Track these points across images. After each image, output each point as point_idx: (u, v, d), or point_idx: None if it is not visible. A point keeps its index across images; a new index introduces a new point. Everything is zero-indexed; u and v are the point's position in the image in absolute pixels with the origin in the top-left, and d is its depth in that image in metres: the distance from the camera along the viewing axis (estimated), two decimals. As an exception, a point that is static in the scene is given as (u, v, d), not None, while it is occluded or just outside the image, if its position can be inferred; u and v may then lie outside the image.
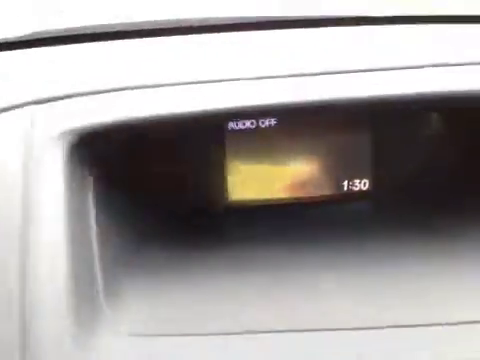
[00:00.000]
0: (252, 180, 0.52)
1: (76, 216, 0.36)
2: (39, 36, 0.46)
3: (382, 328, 0.35)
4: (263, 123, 0.52)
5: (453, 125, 0.49)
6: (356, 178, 0.52)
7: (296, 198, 0.51)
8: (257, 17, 0.47)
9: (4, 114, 0.39)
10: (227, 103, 0.39)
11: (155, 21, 0.47)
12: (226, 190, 0.51)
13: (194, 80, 0.39)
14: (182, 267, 0.42)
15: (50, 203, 0.36)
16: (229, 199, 0.51)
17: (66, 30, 0.47)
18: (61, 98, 0.39)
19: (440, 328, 0.35)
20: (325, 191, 0.51)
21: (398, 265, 0.40)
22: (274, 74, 0.39)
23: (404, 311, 0.36)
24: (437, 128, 0.51)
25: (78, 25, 0.47)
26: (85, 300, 0.35)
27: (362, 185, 0.51)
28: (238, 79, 0.39)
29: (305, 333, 0.35)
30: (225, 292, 0.40)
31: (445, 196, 0.47)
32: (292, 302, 0.38)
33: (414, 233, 0.43)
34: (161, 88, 0.39)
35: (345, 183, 0.52)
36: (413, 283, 0.38)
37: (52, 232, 0.35)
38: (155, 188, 0.48)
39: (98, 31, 0.46)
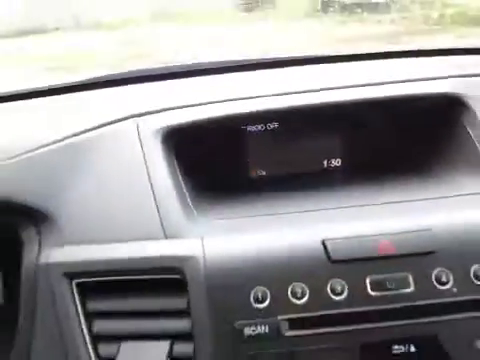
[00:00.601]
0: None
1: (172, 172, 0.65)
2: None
3: (354, 206, 0.63)
4: (270, 126, 0.74)
5: (395, 121, 0.74)
6: (332, 158, 0.75)
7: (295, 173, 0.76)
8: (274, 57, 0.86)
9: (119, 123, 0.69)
10: (245, 110, 0.69)
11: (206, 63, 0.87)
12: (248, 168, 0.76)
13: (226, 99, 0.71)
14: (237, 198, 0.69)
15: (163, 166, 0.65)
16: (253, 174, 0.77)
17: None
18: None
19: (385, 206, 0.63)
20: (313, 168, 0.76)
21: (367, 193, 0.67)
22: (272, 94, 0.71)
23: (368, 201, 0.64)
24: (386, 124, 0.75)
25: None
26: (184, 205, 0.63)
27: (336, 163, 0.76)
28: (252, 98, 0.70)
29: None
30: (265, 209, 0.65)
31: (394, 167, 0.72)
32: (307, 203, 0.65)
33: (375, 185, 0.69)
34: (214, 104, 0.70)
35: (325, 162, 0.76)
36: (377, 197, 0.65)
37: (162, 182, 0.64)
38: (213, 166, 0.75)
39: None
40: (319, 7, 4.94)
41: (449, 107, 0.69)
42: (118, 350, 0.57)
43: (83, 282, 0.59)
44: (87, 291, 0.60)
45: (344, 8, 4.71)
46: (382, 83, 0.71)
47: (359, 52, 0.88)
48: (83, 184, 0.65)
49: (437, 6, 4.17)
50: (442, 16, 3.90)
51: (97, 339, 0.59)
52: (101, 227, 0.62)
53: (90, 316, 0.59)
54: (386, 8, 4.51)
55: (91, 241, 0.61)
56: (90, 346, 0.58)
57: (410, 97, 0.69)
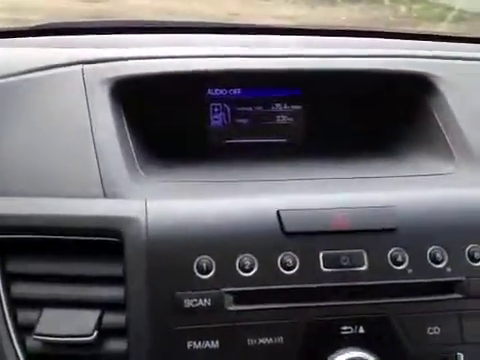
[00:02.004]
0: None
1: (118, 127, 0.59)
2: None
3: (313, 179, 0.60)
4: (232, 92, 0.69)
5: (362, 99, 0.70)
6: (294, 131, 0.72)
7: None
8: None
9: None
10: (205, 68, 0.64)
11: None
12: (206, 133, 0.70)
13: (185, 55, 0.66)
14: (191, 163, 0.64)
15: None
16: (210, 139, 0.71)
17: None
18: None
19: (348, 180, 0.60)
20: (274, 139, 0.72)
21: (328, 168, 0.64)
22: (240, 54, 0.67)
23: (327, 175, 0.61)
24: (353, 100, 0.71)
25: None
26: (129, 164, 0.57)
27: (299, 135, 0.71)
28: (213, 56, 0.66)
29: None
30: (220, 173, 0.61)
31: (357, 145, 0.69)
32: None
33: (337, 160, 0.66)
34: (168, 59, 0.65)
35: (287, 134, 0.72)
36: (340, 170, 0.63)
37: (106, 135, 0.58)
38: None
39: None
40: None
41: (416, 87, 0.67)
42: (39, 317, 0.50)
43: (4, 239, 0.52)
44: (8, 249, 0.52)
45: (316, -9, 4.68)
46: (351, 56, 0.68)
47: (331, 28, 0.87)
48: (15, 130, 0.58)
49: (406, 0, 4.24)
50: (410, 10, 3.97)
51: (16, 304, 0.52)
52: (31, 179, 0.55)
53: (9, 278, 0.52)
54: (357, -4, 4.52)
55: (19, 193, 0.54)
56: (7, 311, 0.51)
57: (377, 72, 0.66)
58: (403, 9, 4.01)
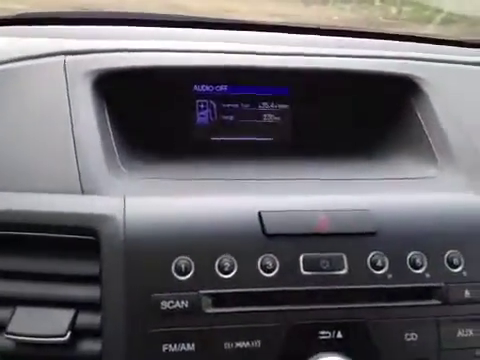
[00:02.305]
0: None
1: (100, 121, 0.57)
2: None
3: (295, 180, 0.59)
4: (218, 89, 0.68)
5: (347, 99, 0.70)
6: (279, 130, 0.71)
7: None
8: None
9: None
10: (191, 63, 0.63)
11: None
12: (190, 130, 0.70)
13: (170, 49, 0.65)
14: (173, 159, 0.63)
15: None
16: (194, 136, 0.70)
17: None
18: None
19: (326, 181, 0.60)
20: (259, 137, 0.71)
21: (311, 168, 0.64)
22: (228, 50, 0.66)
23: (310, 176, 0.61)
24: (338, 101, 0.71)
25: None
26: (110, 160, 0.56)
27: (282, 135, 0.71)
28: (200, 51, 0.65)
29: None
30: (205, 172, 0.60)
31: (341, 145, 0.68)
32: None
33: (320, 161, 0.65)
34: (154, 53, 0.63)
35: (271, 133, 0.71)
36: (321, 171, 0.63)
37: (86, 129, 0.56)
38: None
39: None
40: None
41: (401, 88, 0.66)
42: (11, 316, 0.49)
43: None
44: None
45: (308, -11, 4.67)
46: (338, 55, 0.67)
47: (319, 26, 0.86)
48: None
49: (397, 1, 4.26)
50: (400, 12, 3.98)
51: None
52: (5, 173, 0.53)
53: None
54: (349, -5, 4.53)
55: None
56: None
57: (363, 73, 0.66)
58: (393, 10, 4.03)
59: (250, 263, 0.50)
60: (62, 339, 0.48)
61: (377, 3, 4.18)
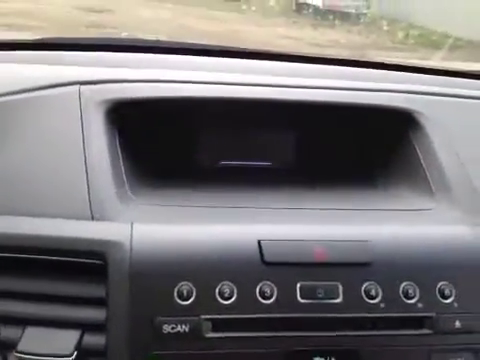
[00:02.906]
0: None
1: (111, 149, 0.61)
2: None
3: (294, 209, 0.62)
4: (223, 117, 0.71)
5: (348, 131, 0.74)
6: (280, 158, 0.74)
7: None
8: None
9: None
10: (199, 94, 0.66)
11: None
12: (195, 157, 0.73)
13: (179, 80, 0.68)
14: (179, 186, 0.66)
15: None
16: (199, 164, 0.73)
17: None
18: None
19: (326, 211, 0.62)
20: (261, 165, 0.75)
21: (310, 197, 0.66)
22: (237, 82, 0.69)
23: (309, 205, 0.63)
24: (339, 132, 0.74)
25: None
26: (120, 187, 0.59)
27: (284, 163, 0.74)
28: (208, 83, 0.68)
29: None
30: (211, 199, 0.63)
31: (340, 175, 0.71)
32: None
33: (319, 190, 0.68)
34: (164, 84, 0.66)
35: (273, 161, 0.74)
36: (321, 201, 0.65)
37: (98, 157, 0.59)
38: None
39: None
40: (294, 8, 4.96)
41: (400, 122, 0.69)
42: (21, 335, 0.51)
43: None
44: None
45: (317, 12, 4.75)
46: (340, 88, 0.70)
47: (324, 56, 0.88)
48: (8, 149, 0.59)
49: (403, 25, 4.31)
50: (407, 36, 4.03)
51: None
52: (20, 198, 0.56)
53: None
54: (356, 19, 4.60)
55: (5, 212, 0.55)
56: None
57: (363, 106, 0.68)
58: (400, 35, 4.08)
59: (249, 290, 0.52)
60: (68, 359, 0.51)
61: (385, 27, 4.24)
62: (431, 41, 3.70)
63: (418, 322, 0.54)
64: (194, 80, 0.68)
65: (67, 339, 0.51)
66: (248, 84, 0.69)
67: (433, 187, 0.64)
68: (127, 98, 0.63)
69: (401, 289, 0.54)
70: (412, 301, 0.54)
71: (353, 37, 3.94)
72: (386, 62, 0.89)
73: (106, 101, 0.62)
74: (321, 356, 0.52)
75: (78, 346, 0.51)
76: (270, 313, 0.52)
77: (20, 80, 0.65)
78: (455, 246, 0.57)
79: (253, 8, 4.54)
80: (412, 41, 3.87)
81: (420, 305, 0.53)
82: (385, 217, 0.61)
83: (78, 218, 0.55)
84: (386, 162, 0.71)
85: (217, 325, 0.52)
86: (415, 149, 0.67)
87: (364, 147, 0.73)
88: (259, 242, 0.54)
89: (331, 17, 4.55)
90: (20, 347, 0.51)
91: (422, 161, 0.66)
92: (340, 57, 0.91)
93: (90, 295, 0.53)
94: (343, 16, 4.58)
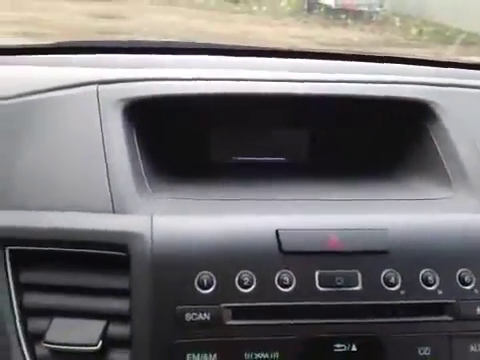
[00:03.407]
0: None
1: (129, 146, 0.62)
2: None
3: (311, 200, 0.62)
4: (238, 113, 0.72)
5: (364, 122, 0.73)
6: (296, 151, 0.74)
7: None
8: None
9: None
10: (214, 91, 0.67)
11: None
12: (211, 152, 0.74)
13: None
14: (196, 181, 0.67)
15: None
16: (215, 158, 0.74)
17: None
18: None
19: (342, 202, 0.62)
20: (276, 159, 0.75)
21: (326, 188, 0.66)
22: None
23: (325, 196, 0.63)
24: (355, 124, 0.74)
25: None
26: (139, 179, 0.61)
27: (299, 156, 0.74)
28: (222, 80, 0.69)
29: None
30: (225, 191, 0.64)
31: (356, 167, 0.71)
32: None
33: (335, 181, 0.68)
34: (179, 82, 0.67)
35: (288, 154, 0.74)
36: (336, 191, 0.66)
37: (117, 153, 0.60)
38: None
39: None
40: (305, 7, 4.95)
41: (417, 113, 0.69)
42: (49, 326, 0.53)
43: (18, 250, 0.55)
44: (21, 260, 0.56)
45: (329, 12, 4.74)
46: (355, 81, 0.70)
47: (338, 51, 0.89)
48: (31, 146, 0.61)
49: (417, 22, 4.27)
50: (420, 32, 3.99)
51: (27, 313, 0.55)
52: (46, 194, 0.58)
53: (21, 288, 0.55)
54: (369, 17, 4.57)
55: (32, 207, 0.57)
56: (18, 320, 0.54)
57: (380, 98, 0.69)
58: (414, 31, 4.04)
59: (268, 278, 0.53)
60: (94, 348, 0.52)
61: (397, 24, 4.21)
62: (445, 37, 3.67)
63: (439, 309, 0.54)
64: (209, 77, 0.69)
65: (92, 329, 0.53)
66: (263, 80, 0.70)
67: (451, 176, 0.64)
68: (144, 96, 0.65)
69: (421, 276, 0.54)
70: (432, 288, 0.54)
71: (366, 35, 3.92)
72: (402, 56, 0.89)
73: (123, 100, 0.63)
74: (342, 343, 0.53)
75: (103, 336, 0.53)
76: (289, 301, 0.53)
77: (38, 81, 0.67)
78: (474, 234, 0.57)
79: (264, 8, 4.56)
80: (426, 38, 3.83)
81: (440, 292, 0.54)
82: (402, 206, 0.61)
83: (100, 212, 0.56)
84: (402, 153, 0.71)
85: (237, 313, 0.53)
86: (432, 140, 0.67)
87: (380, 139, 0.73)
88: (277, 232, 0.54)
89: (343, 16, 4.53)
90: (48, 337, 0.53)
91: (439, 151, 0.66)
92: (356, 52, 0.91)
93: (114, 286, 0.54)
94: (355, 15, 4.56)
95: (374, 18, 4.55)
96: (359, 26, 4.38)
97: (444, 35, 3.74)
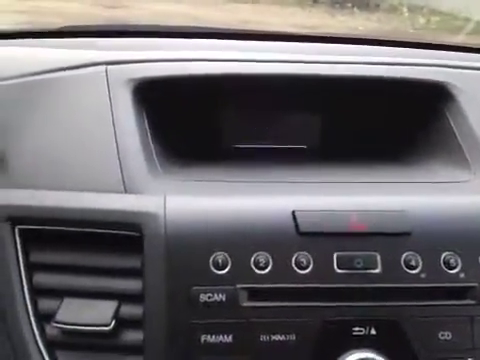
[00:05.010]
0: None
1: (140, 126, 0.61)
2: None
3: (328, 182, 0.61)
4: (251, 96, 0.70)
5: (379, 105, 0.71)
6: (311, 134, 0.72)
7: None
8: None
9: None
10: (225, 71, 0.65)
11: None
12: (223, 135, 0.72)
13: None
14: (208, 163, 0.65)
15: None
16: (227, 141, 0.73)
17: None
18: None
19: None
20: (291, 142, 0.73)
21: (343, 171, 0.65)
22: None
23: (343, 179, 0.62)
24: (370, 107, 0.71)
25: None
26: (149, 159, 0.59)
27: (315, 139, 0.73)
28: (233, 60, 0.68)
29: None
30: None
31: (373, 150, 0.69)
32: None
33: (352, 164, 0.66)
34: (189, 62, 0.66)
35: (304, 137, 0.73)
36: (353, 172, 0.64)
37: (128, 134, 0.59)
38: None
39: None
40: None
41: (433, 95, 0.67)
42: (59, 307, 0.52)
43: (28, 229, 0.54)
44: (31, 240, 0.54)
45: (335, 1, 4.69)
46: (368, 63, 0.69)
47: (350, 36, 0.87)
48: (41, 125, 0.60)
49: (425, 12, 4.22)
50: (428, 22, 3.95)
51: (37, 293, 0.54)
52: (56, 173, 0.57)
53: (32, 267, 0.54)
54: (375, 6, 4.52)
55: (42, 187, 0.56)
56: (28, 300, 0.53)
57: (395, 80, 0.67)
58: (422, 20, 4.00)
59: (284, 260, 0.52)
60: (106, 328, 0.51)
61: (405, 13, 4.16)
62: (453, 26, 3.62)
63: (461, 292, 0.53)
64: (219, 58, 0.68)
65: (104, 309, 0.52)
66: (278, 61, 0.68)
67: (469, 159, 0.63)
68: (153, 76, 0.63)
69: (442, 259, 0.53)
70: (454, 271, 0.52)
71: (372, 24, 3.88)
72: (417, 40, 0.88)
73: (133, 80, 0.62)
74: (360, 326, 0.52)
75: (115, 316, 0.52)
76: (307, 283, 0.51)
77: (47, 62, 0.66)
78: None
79: (269, -3, 4.52)
80: (434, 26, 3.79)
81: (462, 275, 0.52)
82: (421, 188, 0.60)
83: (111, 192, 0.55)
84: (419, 136, 0.69)
85: (253, 294, 0.51)
86: (449, 122, 0.66)
87: (396, 122, 0.71)
88: (293, 212, 0.53)
89: (349, 5, 4.48)
90: (58, 317, 0.52)
91: (457, 133, 0.65)
92: (365, 36, 0.90)
93: (126, 266, 0.53)
94: (362, 4, 4.51)
95: (381, 7, 4.50)
96: (365, 16, 4.33)
97: (452, 24, 3.70)
